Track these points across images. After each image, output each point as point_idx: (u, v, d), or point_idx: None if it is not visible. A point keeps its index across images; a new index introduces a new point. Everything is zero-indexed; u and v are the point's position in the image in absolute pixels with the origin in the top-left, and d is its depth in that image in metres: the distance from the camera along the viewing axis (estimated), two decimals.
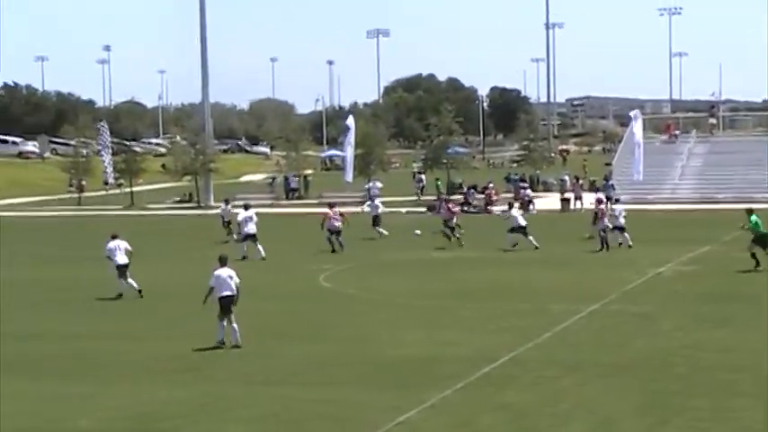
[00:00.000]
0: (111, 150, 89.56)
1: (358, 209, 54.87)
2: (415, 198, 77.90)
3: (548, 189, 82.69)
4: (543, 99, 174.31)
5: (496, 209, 64.39)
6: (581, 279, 35.14)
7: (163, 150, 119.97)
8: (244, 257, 41.34)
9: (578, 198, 66.33)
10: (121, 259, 33.30)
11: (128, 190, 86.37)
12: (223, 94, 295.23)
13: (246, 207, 45.63)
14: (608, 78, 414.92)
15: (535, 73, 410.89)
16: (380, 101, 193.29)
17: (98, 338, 26.14)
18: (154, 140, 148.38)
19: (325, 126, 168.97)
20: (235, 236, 46.37)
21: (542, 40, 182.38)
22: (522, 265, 39.41)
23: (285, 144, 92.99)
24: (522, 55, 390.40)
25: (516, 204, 50.50)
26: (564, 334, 25.69)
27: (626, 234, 44.11)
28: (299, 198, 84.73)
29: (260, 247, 42.85)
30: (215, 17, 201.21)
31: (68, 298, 33.32)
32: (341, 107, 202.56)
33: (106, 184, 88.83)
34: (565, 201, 67.44)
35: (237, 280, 25.28)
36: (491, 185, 72.40)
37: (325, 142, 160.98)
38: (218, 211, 54.14)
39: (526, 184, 76.83)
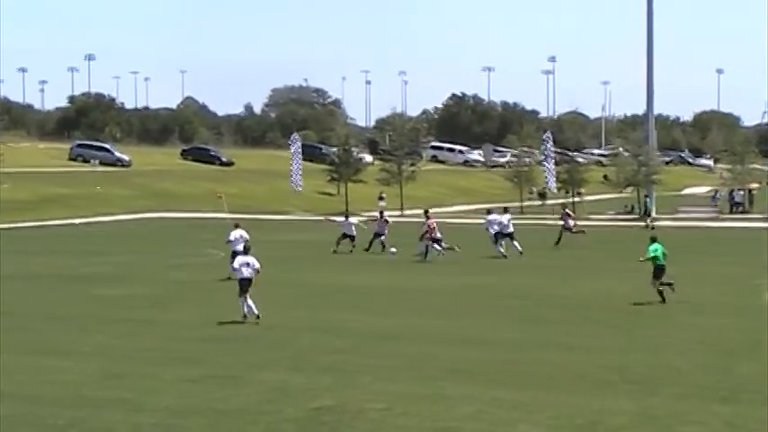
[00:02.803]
0: (553, 160, 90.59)
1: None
2: None
3: None
4: None
5: None
6: None
7: (604, 161, 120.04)
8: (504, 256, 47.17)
9: None
10: (239, 248, 36.52)
11: (578, 199, 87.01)
12: (667, 106, 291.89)
13: (489, 212, 50.61)
14: None
15: None
16: None
17: (537, 347, 26.34)
18: (596, 151, 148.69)
19: None
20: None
21: None
22: None
23: (730, 157, 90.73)
24: None
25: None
26: None
27: None
28: (742, 212, 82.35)
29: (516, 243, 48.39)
30: (661, 28, 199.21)
31: (504, 305, 33.85)
32: None
33: (559, 190, 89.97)
34: None
35: (257, 266, 30.01)
36: None
37: None
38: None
39: None
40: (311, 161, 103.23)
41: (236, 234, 39.67)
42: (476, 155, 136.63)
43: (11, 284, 39.13)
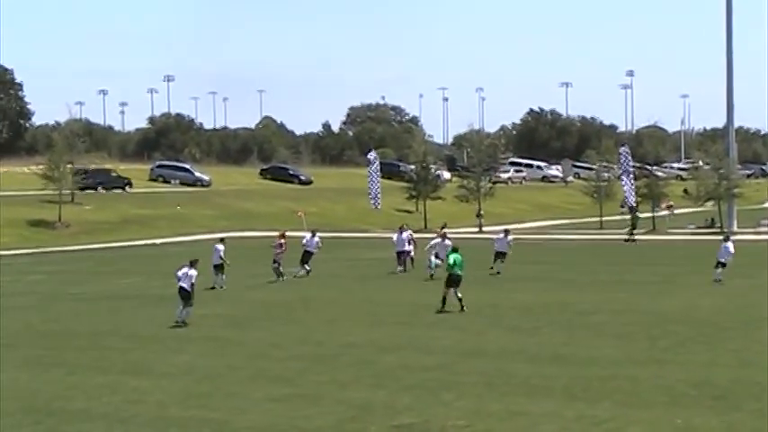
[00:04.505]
0: (632, 175, 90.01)
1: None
2: None
3: None
4: None
5: None
6: None
7: (684, 175, 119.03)
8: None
9: None
10: (216, 261, 43.29)
11: (666, 213, 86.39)
12: (748, 119, 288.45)
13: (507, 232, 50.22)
14: None
15: None
16: None
17: (616, 362, 26.20)
18: (676, 165, 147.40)
19: None
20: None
21: None
22: None
23: None
24: None
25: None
26: None
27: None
28: None
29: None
30: (740, 40, 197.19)
31: (583, 321, 33.71)
32: None
33: (625, 207, 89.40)
34: None
35: (193, 280, 33.68)
36: None
37: None
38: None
39: None
40: (389, 179, 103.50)
41: (220, 246, 44.19)
42: (554, 170, 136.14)
43: (96, 305, 39.71)
